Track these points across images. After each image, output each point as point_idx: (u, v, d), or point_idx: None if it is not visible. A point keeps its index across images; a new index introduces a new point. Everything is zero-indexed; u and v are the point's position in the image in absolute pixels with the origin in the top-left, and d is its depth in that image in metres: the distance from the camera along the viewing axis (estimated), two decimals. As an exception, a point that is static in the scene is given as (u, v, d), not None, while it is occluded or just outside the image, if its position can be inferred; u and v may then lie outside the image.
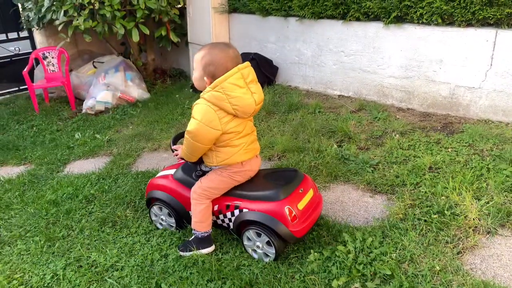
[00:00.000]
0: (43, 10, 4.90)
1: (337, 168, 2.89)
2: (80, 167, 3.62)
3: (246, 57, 4.68)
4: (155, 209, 2.46)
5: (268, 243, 2.07)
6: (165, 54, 6.38)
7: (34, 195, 3.11)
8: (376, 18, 3.76)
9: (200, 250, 2.16)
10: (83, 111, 5.16)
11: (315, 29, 4.24)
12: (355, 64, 4.01)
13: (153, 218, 2.51)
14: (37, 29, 5.88)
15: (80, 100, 5.55)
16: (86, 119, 4.92)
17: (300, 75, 4.58)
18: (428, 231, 2.16)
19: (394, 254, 2.02)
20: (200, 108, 1.94)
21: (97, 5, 4.50)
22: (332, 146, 3.19)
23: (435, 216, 2.23)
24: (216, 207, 2.20)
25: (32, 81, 5.53)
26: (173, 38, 5.30)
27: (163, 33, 5.25)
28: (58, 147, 4.16)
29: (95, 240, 2.43)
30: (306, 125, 3.58)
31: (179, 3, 5.19)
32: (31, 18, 5.42)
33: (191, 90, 5.12)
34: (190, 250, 2.17)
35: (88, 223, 2.62)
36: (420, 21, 3.45)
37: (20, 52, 6.25)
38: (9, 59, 6.20)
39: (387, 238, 2.15)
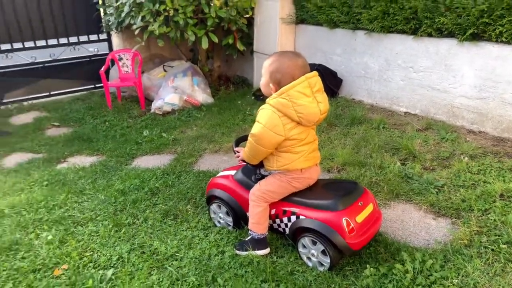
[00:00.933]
0: (122, 15, 5.28)
1: (399, 186, 2.82)
2: (146, 161, 3.84)
3: (310, 68, 4.71)
4: (214, 206, 2.56)
5: (323, 252, 2.07)
6: (230, 61, 6.60)
7: (105, 183, 3.34)
8: (450, 35, 3.63)
9: (255, 251, 2.21)
10: (152, 110, 5.45)
11: (384, 43, 4.18)
12: (424, 81, 3.89)
13: (212, 215, 2.61)
14: (115, 33, 6.35)
15: (149, 101, 5.87)
16: (154, 118, 5.20)
17: (365, 89, 4.53)
18: (495, 261, 2.04)
19: (456, 280, 1.93)
20: (265, 113, 2.01)
21: (171, 12, 4.77)
22: (395, 163, 3.11)
23: (504, 246, 2.10)
24: (273, 211, 2.24)
25: (107, 80, 5.95)
26: (240, 46, 5.47)
27: (231, 41, 5.43)
28: (128, 142, 4.44)
29: (157, 230, 2.57)
30: (369, 140, 3.52)
31: (248, 13, 5.36)
32: (111, 22, 5.86)
33: (253, 97, 5.23)
34: (246, 250, 2.22)
35: (152, 213, 2.77)
36: (499, 40, 3.28)
37: (98, 53, 6.75)
38: (88, 59, 6.72)
39: (449, 262, 2.06)
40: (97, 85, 6.77)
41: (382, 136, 3.61)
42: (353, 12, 4.34)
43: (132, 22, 5.14)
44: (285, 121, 1.99)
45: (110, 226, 2.62)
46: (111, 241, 2.48)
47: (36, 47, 6.22)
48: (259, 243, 2.22)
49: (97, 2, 6.26)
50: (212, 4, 4.86)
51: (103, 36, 6.73)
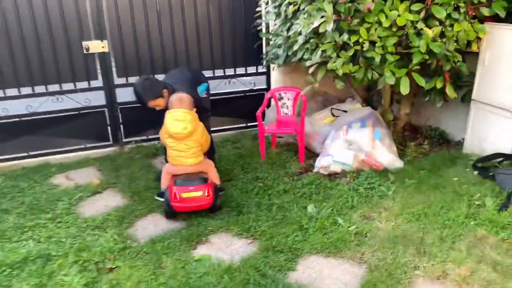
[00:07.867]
0: (295, 47, 4.15)
1: None
2: (318, 270, 2.46)
3: None
4: None
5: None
6: (418, 106, 4.92)
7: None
8: None
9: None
10: (315, 169, 4.17)
11: None
12: None
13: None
14: (278, 67, 5.32)
15: (308, 151, 4.64)
16: (318, 181, 3.88)
17: None
18: None
19: None
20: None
21: (366, 45, 3.41)
22: None
23: None
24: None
25: (263, 120, 4.90)
26: (451, 93, 3.78)
27: (439, 85, 3.79)
28: (287, 221, 3.18)
29: None
30: None
31: (471, 47, 3.69)
32: (278, 55, 4.81)
33: (475, 172, 3.46)
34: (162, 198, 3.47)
35: None
36: None
37: (254, 88, 5.82)
38: (242, 94, 5.82)
39: None
40: (248, 124, 5.84)
41: None
42: None
43: (306, 56, 3.95)
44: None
45: None
46: None
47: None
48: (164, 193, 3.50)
49: (259, 30, 5.32)
50: (423, 34, 3.35)
51: (261, 69, 5.78)
